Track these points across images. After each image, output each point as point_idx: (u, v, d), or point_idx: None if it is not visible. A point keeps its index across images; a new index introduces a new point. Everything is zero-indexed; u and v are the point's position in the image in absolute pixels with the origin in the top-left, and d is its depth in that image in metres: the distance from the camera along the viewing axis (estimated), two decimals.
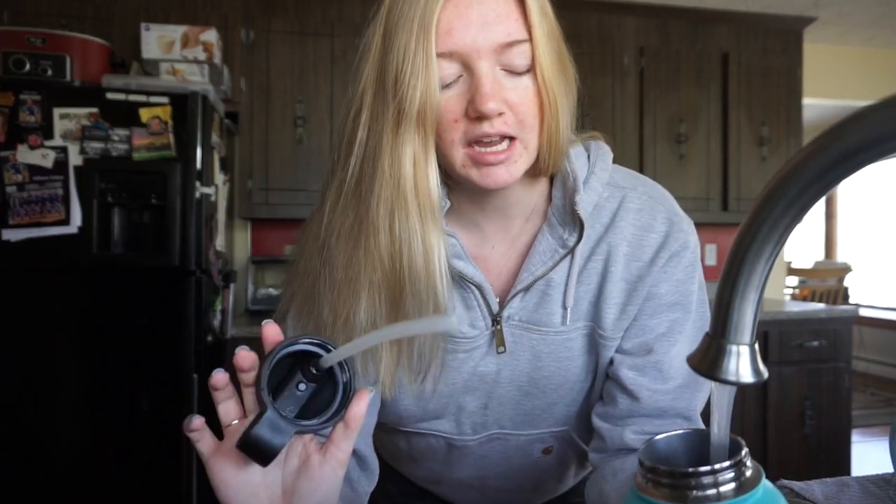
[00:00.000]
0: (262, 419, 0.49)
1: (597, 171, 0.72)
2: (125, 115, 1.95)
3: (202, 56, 2.27)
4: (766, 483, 0.41)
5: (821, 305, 3.17)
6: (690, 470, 0.39)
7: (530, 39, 0.62)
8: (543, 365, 0.74)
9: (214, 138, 2.19)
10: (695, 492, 0.39)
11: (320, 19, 2.69)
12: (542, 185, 0.73)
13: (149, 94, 1.98)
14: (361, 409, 0.53)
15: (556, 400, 0.77)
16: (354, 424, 0.54)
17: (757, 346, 0.39)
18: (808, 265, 5.74)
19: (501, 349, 0.73)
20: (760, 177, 3.15)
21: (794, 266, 5.54)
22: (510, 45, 0.61)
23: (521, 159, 0.64)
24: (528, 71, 0.62)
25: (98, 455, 1.95)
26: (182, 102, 1.99)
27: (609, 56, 2.99)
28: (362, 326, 0.64)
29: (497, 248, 0.74)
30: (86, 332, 1.96)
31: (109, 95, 1.96)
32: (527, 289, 0.71)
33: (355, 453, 0.74)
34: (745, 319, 0.38)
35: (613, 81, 2.98)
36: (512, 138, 0.62)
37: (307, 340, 0.52)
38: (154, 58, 2.23)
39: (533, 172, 0.67)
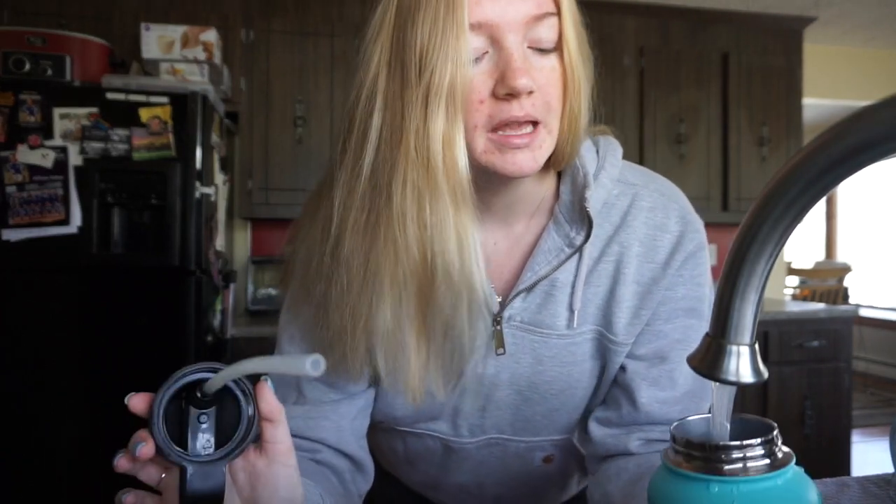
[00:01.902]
0: (187, 478, 0.47)
1: (607, 167, 0.69)
2: (125, 115, 1.95)
3: (202, 56, 2.27)
4: (796, 466, 0.43)
5: (821, 305, 3.17)
6: (723, 444, 0.41)
7: (558, 14, 0.59)
8: (545, 369, 0.70)
9: (214, 138, 2.19)
10: (727, 465, 0.41)
11: (320, 19, 2.69)
12: (551, 179, 0.70)
13: (149, 94, 1.98)
14: (270, 401, 0.51)
15: (558, 406, 0.73)
16: (276, 416, 0.52)
17: (757, 346, 0.39)
18: (809, 265, 5.74)
19: (501, 351, 0.69)
20: (760, 177, 3.15)
21: (794, 266, 5.54)
22: (540, 17, 0.58)
23: (546, 145, 0.60)
24: (553, 49, 0.60)
25: (98, 455, 1.95)
26: (182, 102, 1.99)
27: (609, 56, 2.99)
28: (387, 327, 0.61)
29: (499, 245, 0.71)
30: (86, 332, 1.96)
31: (109, 95, 1.96)
32: (529, 289, 0.68)
33: (349, 457, 0.72)
34: (746, 319, 0.38)
35: (613, 81, 2.98)
36: (536, 123, 0.59)
37: (183, 375, 0.49)
38: (154, 58, 2.23)
39: (547, 163, 0.63)
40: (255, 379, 0.51)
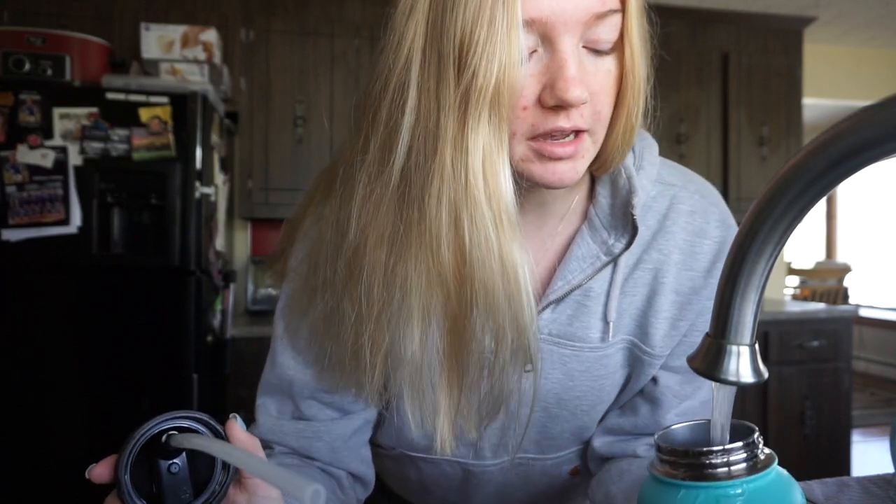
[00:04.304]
0: None
1: (645, 167, 0.63)
2: (125, 115, 1.95)
3: (202, 56, 2.27)
4: (778, 467, 0.43)
5: (821, 305, 3.17)
6: (706, 449, 0.42)
7: (623, 10, 0.52)
8: (575, 385, 0.65)
9: (214, 138, 2.19)
10: (711, 471, 0.41)
11: (320, 19, 2.69)
12: (585, 179, 0.64)
13: (149, 94, 1.98)
14: (243, 437, 0.49)
15: (588, 423, 0.68)
16: (251, 451, 0.49)
17: (757, 346, 0.39)
18: (809, 265, 5.74)
19: (529, 367, 0.61)
20: (760, 177, 3.14)
21: (794, 266, 5.54)
22: (603, 15, 0.50)
23: (588, 154, 0.54)
24: (611, 50, 0.52)
25: (98, 455, 1.94)
26: (182, 102, 1.99)
27: None
28: (416, 364, 0.54)
29: None
30: (86, 333, 1.96)
31: (109, 95, 1.96)
32: (560, 299, 0.62)
33: (345, 471, 0.70)
34: (746, 319, 0.38)
35: None
36: (581, 131, 0.52)
37: (143, 433, 0.46)
38: (154, 58, 2.23)
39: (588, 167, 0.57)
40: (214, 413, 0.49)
